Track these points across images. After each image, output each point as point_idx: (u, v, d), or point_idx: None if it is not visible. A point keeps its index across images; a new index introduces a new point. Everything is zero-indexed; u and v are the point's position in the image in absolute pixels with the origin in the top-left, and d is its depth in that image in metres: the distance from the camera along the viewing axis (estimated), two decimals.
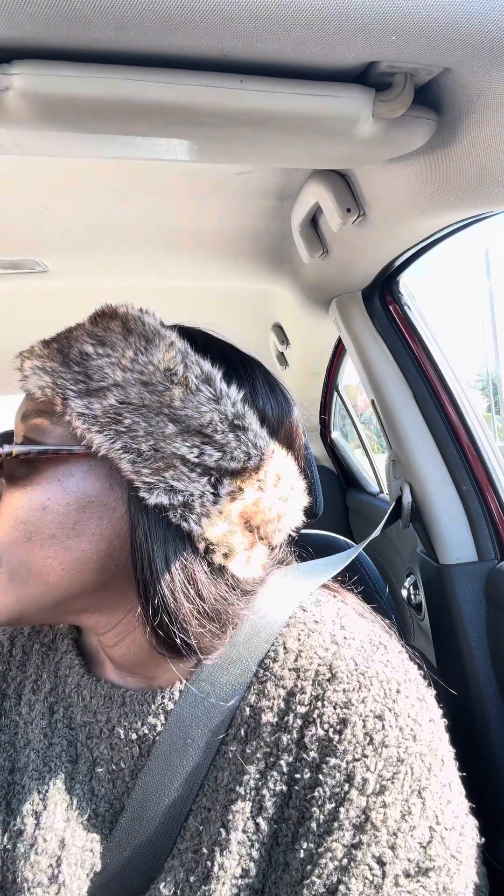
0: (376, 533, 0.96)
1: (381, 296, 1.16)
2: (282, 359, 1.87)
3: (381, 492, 2.12)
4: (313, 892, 0.42)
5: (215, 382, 0.49)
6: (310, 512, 1.00)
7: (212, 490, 0.48)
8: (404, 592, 1.28)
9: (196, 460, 0.48)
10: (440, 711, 0.50)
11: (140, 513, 0.48)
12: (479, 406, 1.17)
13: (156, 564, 0.47)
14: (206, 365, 0.49)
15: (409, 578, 1.27)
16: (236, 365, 0.54)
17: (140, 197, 1.01)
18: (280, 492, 0.53)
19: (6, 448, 0.48)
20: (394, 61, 0.55)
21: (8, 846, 0.52)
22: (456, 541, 1.06)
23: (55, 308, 1.48)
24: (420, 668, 0.53)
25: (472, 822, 0.46)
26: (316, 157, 0.73)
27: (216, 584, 0.50)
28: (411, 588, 1.25)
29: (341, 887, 0.41)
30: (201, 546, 0.49)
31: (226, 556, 0.49)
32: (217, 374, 0.49)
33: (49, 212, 1.03)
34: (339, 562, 0.67)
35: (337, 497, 2.33)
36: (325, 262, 1.10)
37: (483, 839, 0.47)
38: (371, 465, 2.18)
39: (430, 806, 0.44)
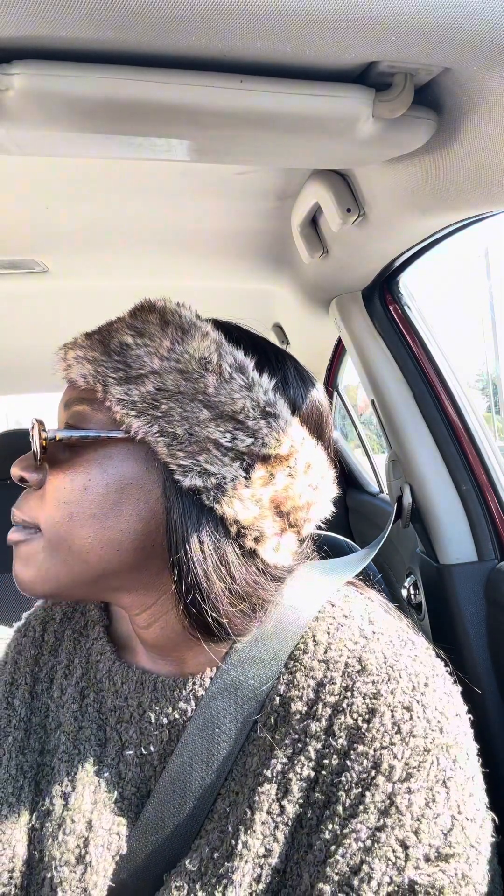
0: (384, 535, 0.96)
1: (381, 296, 1.16)
2: None
3: (381, 492, 2.12)
4: (336, 871, 0.44)
5: (248, 371, 0.51)
6: None
7: (244, 474, 0.50)
8: (404, 592, 1.28)
9: (229, 444, 0.50)
10: (465, 707, 0.51)
11: (175, 495, 0.50)
12: (479, 406, 1.17)
13: (189, 544, 0.49)
14: (240, 354, 0.52)
15: (409, 578, 1.26)
16: (269, 356, 0.56)
17: (140, 197, 1.01)
18: (310, 479, 0.54)
19: (51, 433, 0.51)
20: (394, 61, 0.55)
21: (36, 825, 0.54)
22: (456, 541, 1.06)
23: (55, 308, 1.49)
24: (446, 665, 0.54)
25: (490, 819, 0.47)
26: (316, 157, 0.73)
27: (247, 567, 0.51)
28: (411, 588, 1.25)
29: (364, 867, 0.43)
30: (233, 529, 0.50)
31: (256, 540, 0.51)
32: (250, 364, 0.52)
33: (49, 212, 1.03)
34: (360, 561, 0.67)
35: (337, 497, 2.33)
36: (325, 262, 1.10)
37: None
38: (371, 465, 2.18)
39: (453, 796, 0.45)
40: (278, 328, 1.73)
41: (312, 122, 0.60)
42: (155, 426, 0.49)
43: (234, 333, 0.55)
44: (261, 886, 0.46)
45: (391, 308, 1.16)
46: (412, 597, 1.24)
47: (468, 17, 0.48)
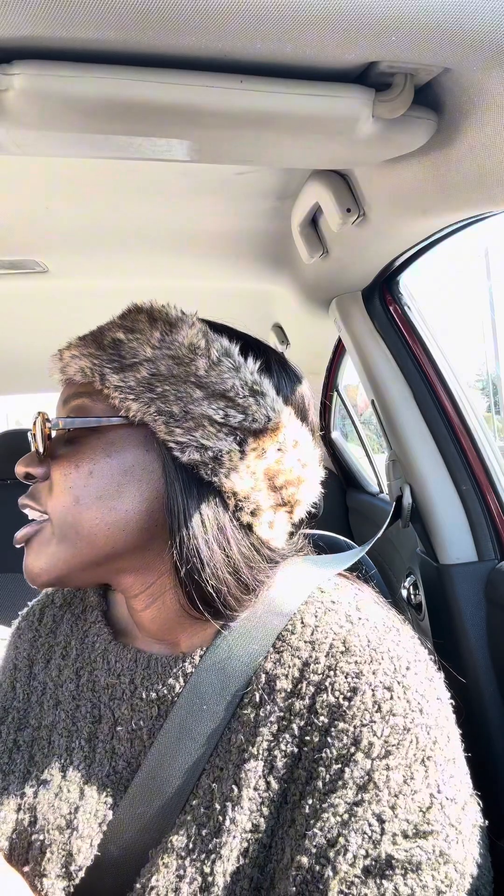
0: (380, 534, 0.96)
1: (381, 296, 1.16)
2: None
3: (381, 492, 2.12)
4: (314, 844, 0.44)
5: (234, 355, 0.55)
6: (310, 512, 1.00)
7: (238, 448, 0.54)
8: (404, 592, 1.28)
9: (222, 421, 0.53)
10: (448, 694, 0.52)
11: (175, 472, 0.54)
12: (479, 406, 1.17)
13: (190, 517, 0.53)
14: (225, 341, 0.56)
15: (408, 578, 1.26)
16: (251, 345, 0.60)
17: (140, 197, 1.01)
18: (299, 454, 0.58)
19: (54, 421, 0.55)
20: (394, 61, 0.55)
21: (28, 793, 0.57)
22: (456, 541, 1.06)
23: (55, 308, 1.49)
24: (431, 654, 0.55)
25: (475, 804, 0.48)
26: (316, 157, 0.73)
27: (243, 541, 0.55)
28: (411, 588, 1.25)
29: (341, 839, 0.43)
30: (231, 502, 0.54)
31: (253, 513, 0.54)
32: (235, 349, 0.56)
33: (49, 212, 1.03)
34: (351, 556, 0.69)
35: (337, 497, 2.33)
36: (325, 263, 1.10)
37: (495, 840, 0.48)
38: (371, 465, 2.18)
39: (432, 775, 0.45)
40: (278, 328, 1.73)
41: (312, 122, 0.60)
42: (152, 407, 0.53)
43: (218, 326, 0.59)
44: (247, 860, 0.47)
45: (391, 308, 1.16)
46: (412, 597, 1.24)
47: (468, 17, 0.48)
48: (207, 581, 0.52)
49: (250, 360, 0.56)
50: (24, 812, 0.56)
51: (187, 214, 1.09)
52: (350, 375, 1.95)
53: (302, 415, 0.61)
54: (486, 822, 0.48)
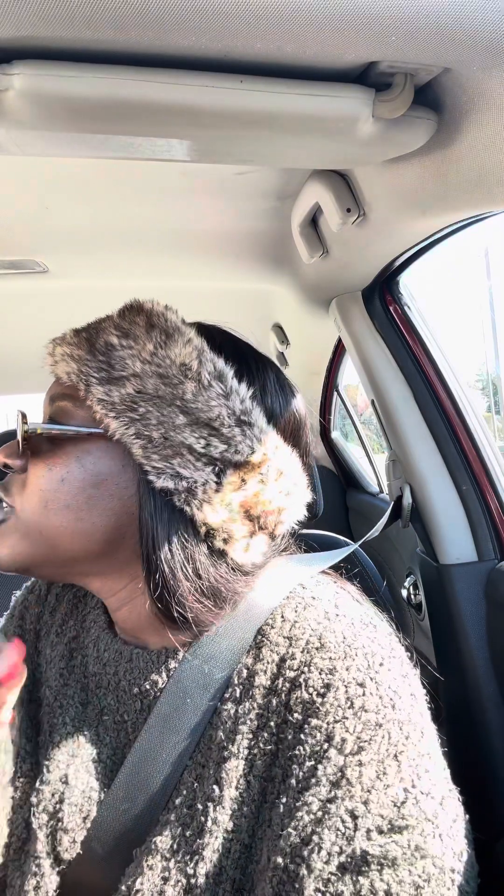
0: (376, 531, 0.96)
1: (381, 296, 1.16)
2: (282, 359, 1.87)
3: (381, 492, 2.12)
4: (289, 843, 0.44)
5: (227, 379, 0.53)
6: (310, 512, 1.00)
7: (215, 479, 0.52)
8: (404, 592, 1.28)
9: (202, 450, 0.51)
10: (423, 690, 0.52)
11: (148, 494, 0.52)
12: (479, 406, 1.17)
13: (159, 543, 0.52)
14: (220, 362, 0.53)
15: (409, 578, 1.27)
16: (249, 363, 0.57)
17: (140, 197, 1.01)
18: (281, 486, 0.56)
19: (31, 426, 0.54)
20: (394, 61, 0.55)
21: (23, 768, 0.58)
22: (456, 541, 1.06)
23: (55, 308, 1.48)
24: (409, 653, 0.55)
25: (455, 799, 0.47)
26: (316, 157, 0.73)
27: (216, 566, 0.53)
28: (411, 588, 1.25)
29: (315, 838, 0.43)
30: (202, 530, 0.52)
31: (225, 541, 0.53)
32: (229, 372, 0.53)
33: (49, 212, 1.03)
34: (336, 555, 0.68)
35: (337, 497, 2.33)
36: (325, 263, 1.10)
37: (483, 838, 0.47)
38: (371, 465, 2.17)
39: (405, 770, 0.45)
40: (278, 328, 1.73)
41: (312, 122, 0.60)
42: (132, 428, 0.51)
43: (218, 339, 0.57)
44: (229, 861, 0.47)
45: (391, 308, 1.16)
46: (412, 597, 1.24)
47: (468, 17, 0.48)
48: (173, 608, 0.51)
49: (244, 384, 0.54)
50: (17, 789, 0.57)
51: (187, 214, 1.09)
52: (350, 375, 1.95)
53: (294, 439, 0.59)
54: (468, 815, 0.48)
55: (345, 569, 0.68)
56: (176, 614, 0.51)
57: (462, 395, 1.11)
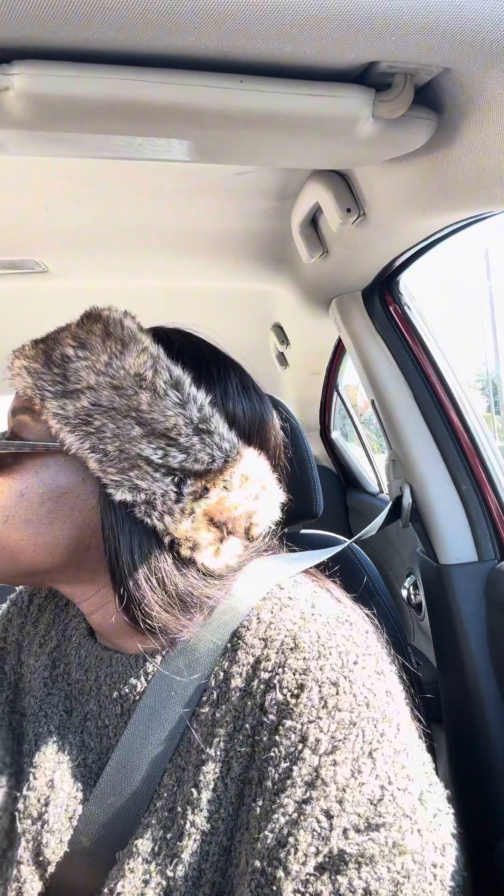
0: (371, 529, 0.96)
1: (381, 296, 1.16)
2: (282, 359, 1.87)
3: (381, 492, 2.12)
4: (266, 846, 0.44)
5: (183, 387, 0.52)
6: (310, 512, 1.00)
7: (175, 489, 0.52)
8: (404, 592, 1.28)
9: (160, 461, 0.51)
10: (401, 687, 0.52)
11: (108, 507, 0.52)
12: (479, 406, 1.17)
13: (122, 555, 0.52)
14: (177, 370, 0.53)
15: (409, 578, 1.27)
16: (210, 368, 0.57)
17: (140, 197, 1.01)
18: (247, 491, 0.55)
19: None
20: (394, 61, 0.55)
21: (8, 781, 0.58)
22: (456, 541, 1.06)
23: (55, 308, 1.48)
24: (386, 647, 0.55)
25: (437, 793, 0.47)
26: (316, 157, 0.73)
27: (184, 575, 0.53)
28: (411, 588, 1.25)
29: (290, 839, 0.43)
30: (166, 540, 0.52)
31: (192, 549, 0.53)
32: (186, 379, 0.52)
33: (49, 212, 1.03)
34: (323, 553, 0.68)
35: (337, 497, 2.33)
36: (325, 263, 1.10)
37: (481, 839, 0.47)
38: (371, 465, 2.18)
39: (381, 766, 0.45)
40: (278, 328, 1.73)
41: (312, 123, 0.60)
42: (87, 442, 0.51)
43: (177, 344, 0.56)
44: (209, 864, 0.47)
45: (391, 308, 1.16)
46: (412, 597, 1.24)
47: (468, 17, 0.48)
48: (139, 618, 0.51)
49: (202, 391, 0.53)
50: (8, 799, 0.57)
51: (187, 214, 1.09)
52: (350, 375, 1.95)
53: (261, 443, 0.59)
54: (468, 815, 0.47)
55: (344, 569, 0.68)
56: (143, 624, 0.51)
57: (462, 395, 1.11)
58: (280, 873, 0.42)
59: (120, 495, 0.51)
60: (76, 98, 0.54)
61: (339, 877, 0.41)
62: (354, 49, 0.53)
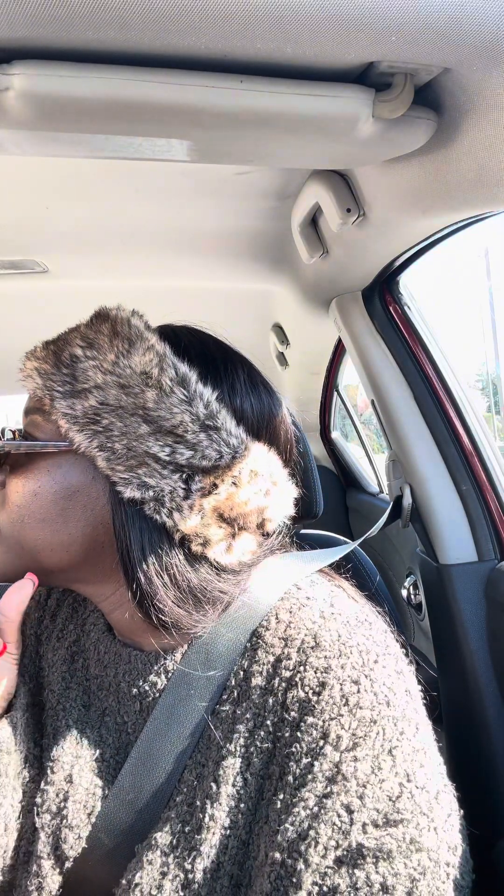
0: (375, 531, 0.96)
1: (381, 296, 1.16)
2: (282, 359, 1.87)
3: (381, 492, 2.12)
4: (286, 838, 0.45)
5: (190, 384, 0.52)
6: (310, 512, 1.00)
7: (183, 486, 0.52)
8: (404, 592, 1.28)
9: (168, 458, 0.52)
10: (418, 687, 0.52)
11: (118, 504, 0.53)
12: (479, 406, 1.17)
13: (133, 551, 0.52)
14: (183, 367, 0.53)
15: (409, 578, 1.27)
16: (217, 364, 0.57)
17: (140, 197, 1.01)
18: (257, 487, 0.55)
19: (3, 444, 0.55)
20: (394, 61, 0.55)
21: (25, 773, 0.59)
22: (456, 541, 1.06)
23: (55, 308, 1.48)
24: (405, 651, 0.55)
25: (449, 794, 0.48)
26: (316, 157, 0.73)
27: (196, 570, 0.54)
28: (411, 588, 1.25)
29: (311, 832, 0.44)
30: (177, 536, 0.53)
31: (203, 545, 0.53)
32: (192, 376, 0.53)
33: (49, 212, 1.03)
34: (336, 552, 0.68)
35: (337, 497, 2.33)
36: (325, 263, 1.10)
37: (481, 839, 0.47)
38: (371, 465, 2.18)
39: (400, 764, 0.46)
40: (278, 328, 1.73)
41: (312, 123, 0.60)
42: (95, 441, 0.52)
43: (184, 342, 0.57)
44: (227, 857, 0.48)
45: (391, 308, 1.16)
46: (412, 597, 1.24)
47: (468, 17, 0.48)
48: (157, 616, 0.52)
49: (209, 387, 0.53)
50: (26, 795, 0.57)
51: (187, 214, 1.09)
52: (350, 375, 1.95)
53: (270, 438, 0.59)
54: (468, 815, 0.48)
55: (344, 569, 0.68)
56: (156, 619, 0.52)
57: (462, 395, 1.11)
58: (300, 865, 0.43)
59: (129, 493, 0.51)
60: (76, 98, 0.54)
61: (356, 871, 0.42)
62: (354, 49, 0.53)
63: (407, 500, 1.09)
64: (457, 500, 1.07)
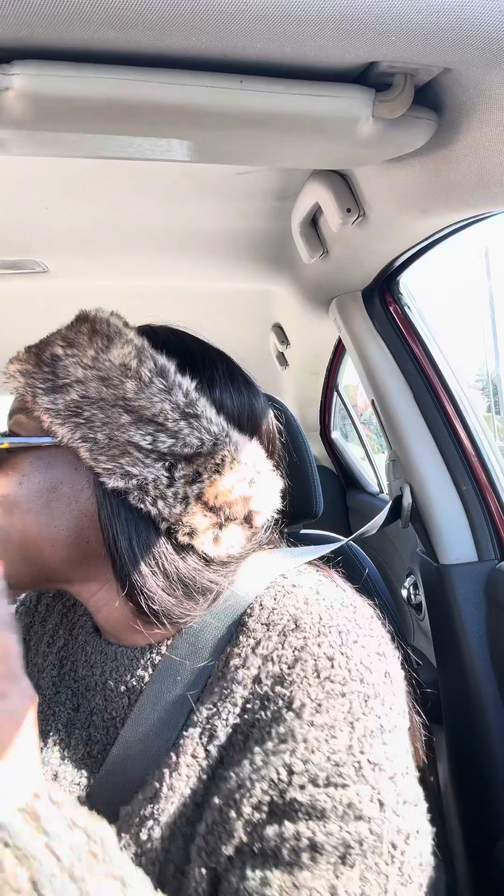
0: (371, 528, 0.96)
1: (381, 296, 1.16)
2: (282, 359, 1.87)
3: (381, 492, 2.12)
4: (227, 787, 0.46)
5: (168, 374, 0.54)
6: (310, 512, 1.00)
7: (166, 474, 0.53)
8: (404, 592, 1.28)
9: (149, 447, 0.53)
10: (402, 672, 0.53)
11: (103, 495, 0.54)
12: (479, 406, 1.17)
13: (120, 541, 0.53)
14: (161, 359, 0.54)
15: (409, 578, 1.27)
16: (195, 357, 0.58)
17: (140, 197, 1.01)
18: (240, 475, 0.56)
19: None
20: (394, 61, 0.55)
21: None
22: (456, 541, 1.06)
23: (55, 308, 1.47)
24: (393, 639, 0.55)
25: (413, 782, 0.47)
26: (316, 157, 0.73)
27: (184, 560, 0.54)
28: (411, 588, 1.25)
29: (247, 783, 0.45)
30: (163, 526, 0.53)
31: (190, 535, 0.54)
32: (171, 367, 0.54)
33: (49, 212, 1.03)
34: (326, 548, 0.69)
35: (337, 497, 2.33)
36: (325, 263, 1.10)
37: (481, 838, 0.47)
38: (371, 465, 2.18)
39: (357, 738, 0.46)
40: (278, 328, 1.73)
41: (312, 123, 0.60)
42: (77, 432, 0.53)
43: (162, 337, 0.58)
44: (183, 820, 0.48)
45: (391, 308, 1.16)
46: (412, 597, 1.24)
47: (468, 17, 0.48)
48: (146, 602, 0.52)
49: (186, 378, 0.54)
50: None
51: (187, 214, 1.09)
52: (350, 375, 1.95)
53: (252, 429, 0.59)
54: (468, 816, 0.48)
55: (343, 568, 0.68)
56: (146, 608, 0.52)
57: (462, 395, 1.11)
58: (233, 813, 0.44)
59: (112, 482, 0.52)
60: (76, 98, 0.54)
61: (287, 822, 0.43)
62: (354, 49, 0.53)
63: (407, 500, 1.09)
64: (457, 500, 1.07)
